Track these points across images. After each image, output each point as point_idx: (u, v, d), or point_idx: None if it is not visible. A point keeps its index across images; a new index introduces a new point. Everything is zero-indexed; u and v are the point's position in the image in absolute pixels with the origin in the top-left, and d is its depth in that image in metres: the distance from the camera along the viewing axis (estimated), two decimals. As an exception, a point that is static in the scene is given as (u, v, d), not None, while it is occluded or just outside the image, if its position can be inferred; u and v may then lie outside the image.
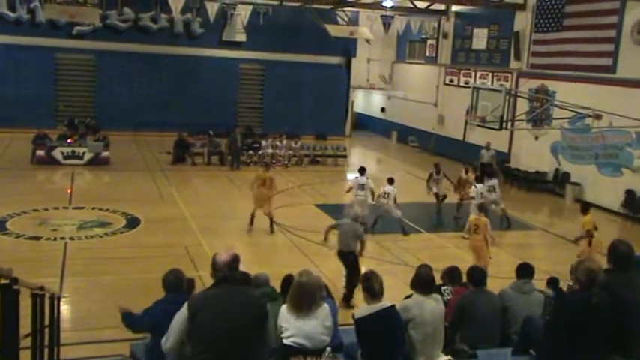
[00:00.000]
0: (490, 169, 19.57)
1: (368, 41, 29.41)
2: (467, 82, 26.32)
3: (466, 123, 23.18)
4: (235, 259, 4.42)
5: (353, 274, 10.44)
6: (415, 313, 5.35)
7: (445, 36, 29.00)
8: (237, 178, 19.98)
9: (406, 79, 32.24)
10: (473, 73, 26.55)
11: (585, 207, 13.17)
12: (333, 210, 17.56)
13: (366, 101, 35.99)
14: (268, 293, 5.89)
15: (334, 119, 31.42)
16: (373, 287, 5.16)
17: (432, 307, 5.45)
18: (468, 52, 27.38)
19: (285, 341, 4.77)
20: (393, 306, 5.22)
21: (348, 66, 31.99)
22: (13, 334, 3.61)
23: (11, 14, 26.61)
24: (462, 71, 27.42)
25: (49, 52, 27.13)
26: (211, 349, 4.09)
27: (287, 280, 6.32)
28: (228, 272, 4.29)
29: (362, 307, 5.27)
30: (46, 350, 5.80)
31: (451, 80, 28.17)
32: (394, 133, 32.28)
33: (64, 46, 27.43)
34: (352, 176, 24.43)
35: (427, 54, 30.74)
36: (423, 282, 5.57)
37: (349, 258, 10.82)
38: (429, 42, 30.37)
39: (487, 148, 21.70)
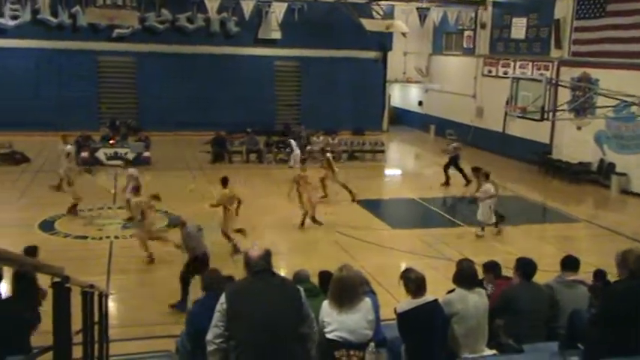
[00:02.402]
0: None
1: (404, 34, 29.17)
2: (506, 73, 25.88)
3: (506, 114, 22.84)
4: (268, 254, 4.45)
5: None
6: (459, 308, 5.31)
7: (483, 26, 28.57)
8: (276, 174, 20.08)
9: (443, 72, 31.90)
10: (512, 63, 26.09)
11: None
12: (372, 205, 17.59)
13: (403, 95, 35.74)
14: (309, 289, 5.91)
15: (371, 114, 31.29)
16: (413, 282, 5.15)
17: (475, 301, 5.40)
18: (507, 41, 26.93)
19: (328, 336, 4.78)
20: (435, 300, 5.19)
21: (384, 60, 31.81)
22: (65, 331, 3.72)
23: (53, 19, 27.27)
24: (501, 62, 26.97)
25: (90, 56, 27.71)
26: (249, 340, 4.13)
27: (324, 276, 6.35)
28: (260, 265, 4.32)
29: (404, 301, 5.26)
30: (96, 346, 5.94)
31: (489, 71, 27.75)
32: (432, 127, 31.99)
33: (104, 49, 27.99)
34: (391, 171, 24.43)
35: (464, 45, 30.35)
36: (465, 276, 5.52)
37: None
38: (466, 33, 29.98)
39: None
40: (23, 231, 13.93)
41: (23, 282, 6.82)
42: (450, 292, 5.68)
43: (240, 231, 13.46)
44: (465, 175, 19.88)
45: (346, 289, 4.83)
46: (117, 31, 27.74)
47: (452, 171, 20.24)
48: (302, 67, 30.65)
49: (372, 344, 4.78)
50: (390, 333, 5.64)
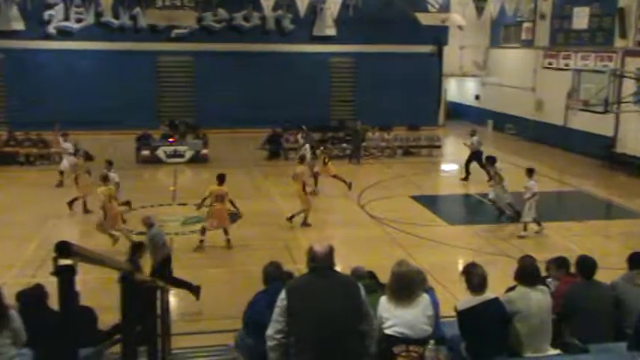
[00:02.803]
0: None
1: (460, 27, 28.74)
2: (567, 65, 25.14)
3: (567, 107, 22.19)
4: (332, 250, 4.46)
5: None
6: (520, 306, 5.18)
7: (542, 17, 27.81)
8: (338, 171, 20.04)
9: (501, 65, 31.25)
10: (573, 55, 25.31)
11: None
12: (429, 201, 17.41)
13: (459, 89, 35.21)
14: (367, 286, 5.90)
15: (427, 109, 30.97)
16: (475, 279, 5.06)
17: (538, 299, 5.26)
18: (568, 32, 26.14)
19: (386, 331, 4.76)
20: (496, 298, 5.10)
21: (439, 54, 31.40)
22: (131, 323, 3.83)
23: (115, 21, 28.14)
24: (562, 53, 26.21)
25: (149, 56, 28.44)
26: (309, 336, 4.14)
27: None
28: (324, 262, 4.33)
29: (464, 298, 5.18)
30: (159, 339, 6.09)
31: (550, 63, 27.00)
32: (489, 121, 31.40)
33: (163, 49, 28.68)
34: (448, 166, 24.09)
35: (523, 37, 29.61)
36: (527, 273, 5.39)
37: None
38: (525, 25, 29.23)
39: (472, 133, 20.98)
40: (89, 227, 14.40)
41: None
42: (510, 289, 5.57)
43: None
44: (488, 172, 19.45)
45: (405, 284, 4.80)
46: (175, 31, 28.37)
47: (474, 165, 19.89)
48: (356, 63, 30.59)
49: (432, 341, 4.73)
50: (449, 330, 5.57)
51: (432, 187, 20.18)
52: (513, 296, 5.29)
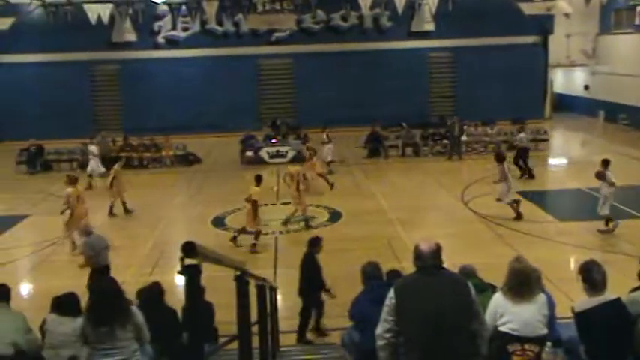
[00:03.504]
0: None
1: (567, 15, 27.46)
2: (687, 49, 23.42)
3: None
4: (439, 248, 4.40)
5: None
6: (646, 307, 4.90)
7: (658, -1, 26.08)
8: (434, 167, 19.84)
9: (613, 52, 29.54)
10: (694, 38, 23.55)
11: None
12: (536, 197, 16.79)
13: (567, 80, 33.66)
14: (476, 285, 5.78)
15: (532, 101, 29.80)
16: (594, 278, 4.82)
17: (665, 299, 4.95)
18: (687, 14, 24.35)
19: (500, 328, 4.66)
20: (618, 298, 4.83)
21: (544, 44, 30.16)
22: (246, 321, 3.96)
23: (219, 28, 29.24)
24: (681, 37, 24.46)
25: (251, 60, 29.29)
26: (419, 335, 4.11)
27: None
28: (431, 260, 4.28)
29: (581, 299, 4.96)
30: (269, 337, 6.26)
31: (667, 48, 25.27)
32: (601, 112, 29.80)
33: (264, 52, 29.46)
34: (555, 161, 23.14)
35: (637, 22, 27.83)
36: (654, 272, 5.08)
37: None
38: (639, 8, 27.48)
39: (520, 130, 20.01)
40: (199, 227, 15.05)
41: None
42: (634, 289, 5.27)
43: None
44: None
45: (524, 280, 4.68)
46: (275, 34, 29.06)
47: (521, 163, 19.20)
48: (456, 58, 30.01)
49: (549, 343, 4.57)
50: (565, 332, 5.36)
51: (540, 182, 19.41)
52: (637, 296, 4.99)
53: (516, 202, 14.84)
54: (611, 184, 13.27)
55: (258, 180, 13.69)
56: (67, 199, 13.26)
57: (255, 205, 13.26)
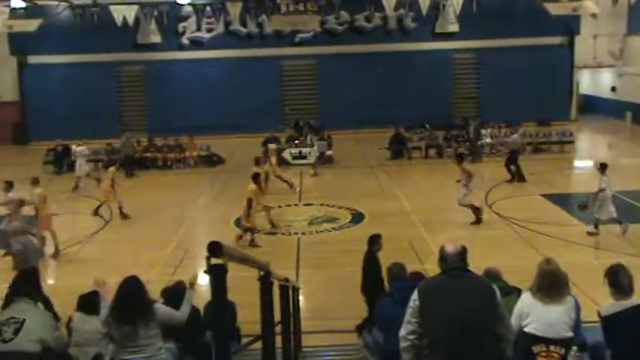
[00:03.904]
0: None
1: (594, 15, 27.10)
2: None
3: None
4: (464, 250, 4.37)
5: None
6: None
7: (688, -1, 25.60)
8: (456, 171, 19.62)
9: (641, 53, 29.11)
10: None
11: None
12: (562, 200, 16.60)
13: (593, 81, 33.20)
14: (501, 287, 5.73)
15: (557, 103, 29.49)
16: (620, 282, 4.75)
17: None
18: None
19: (525, 329, 4.62)
20: (646, 303, 4.76)
21: (570, 45, 29.81)
22: (270, 321, 3.98)
23: (243, 29, 29.41)
24: None
25: (275, 61, 29.39)
26: (443, 338, 4.08)
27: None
28: (456, 262, 4.25)
29: (608, 303, 4.88)
30: (291, 337, 6.27)
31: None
32: (628, 114, 29.34)
33: (287, 53, 29.55)
34: (581, 163, 22.86)
35: (666, 22, 27.42)
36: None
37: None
38: (668, 9, 27.05)
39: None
40: (222, 227, 15.14)
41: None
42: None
43: None
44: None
45: (554, 282, 4.65)
46: (299, 35, 29.13)
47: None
48: (480, 59, 29.83)
49: (575, 347, 4.51)
50: (590, 337, 5.29)
51: (565, 184, 19.22)
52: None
53: (477, 208, 14.66)
54: (601, 190, 13.14)
55: (256, 178, 13.94)
56: (38, 198, 13.33)
57: (250, 202, 13.40)
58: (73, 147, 20.78)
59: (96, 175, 19.85)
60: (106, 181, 16.49)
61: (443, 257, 4.28)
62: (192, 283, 5.67)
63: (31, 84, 29.57)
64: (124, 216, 16.10)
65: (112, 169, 16.88)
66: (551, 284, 4.65)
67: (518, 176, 18.88)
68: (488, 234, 14.02)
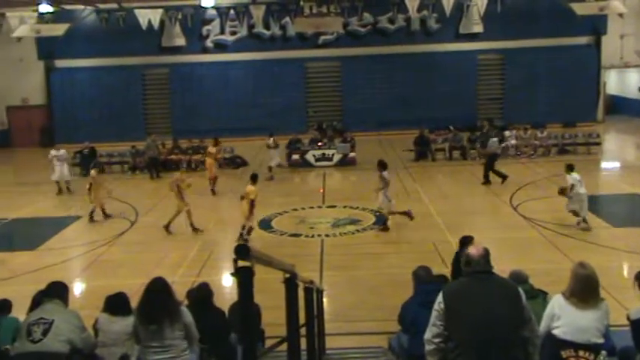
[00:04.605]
0: None
1: (621, 15, 26.70)
2: None
3: None
4: (488, 253, 4.34)
5: None
6: None
7: None
8: (481, 172, 19.53)
9: (670, 53, 28.61)
10: None
11: None
12: (589, 201, 16.32)
13: (621, 81, 32.70)
14: (527, 291, 5.67)
15: (583, 104, 29.10)
16: None
17: None
18: None
19: (554, 332, 4.56)
20: (676, 308, 4.68)
21: (597, 45, 29.40)
22: (295, 323, 3.98)
23: (266, 32, 29.54)
24: None
25: (298, 63, 29.48)
26: (469, 341, 4.05)
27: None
28: (480, 265, 4.22)
29: (637, 307, 4.81)
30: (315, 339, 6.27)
31: None
32: (657, 115, 28.87)
33: (311, 55, 29.61)
34: (608, 164, 22.53)
35: (695, 21, 26.92)
36: None
37: None
38: (698, 7, 26.58)
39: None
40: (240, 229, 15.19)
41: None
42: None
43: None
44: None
45: (590, 286, 4.59)
46: (322, 37, 29.17)
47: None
48: (505, 59, 29.57)
49: (604, 352, 4.44)
50: (618, 341, 5.20)
51: (592, 186, 18.84)
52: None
53: (400, 212, 14.84)
54: (571, 186, 13.85)
55: (254, 179, 14.18)
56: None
57: (252, 203, 13.77)
58: (52, 152, 20.43)
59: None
60: (87, 184, 16.53)
61: (468, 261, 4.26)
62: None
63: (58, 88, 30.04)
64: (90, 219, 16.29)
65: (92, 171, 16.81)
66: (586, 289, 4.59)
67: (485, 178, 18.90)
68: (514, 236, 13.88)
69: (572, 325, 4.55)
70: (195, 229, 14.94)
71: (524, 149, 23.14)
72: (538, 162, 22.03)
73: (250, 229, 14.18)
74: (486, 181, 18.79)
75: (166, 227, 14.88)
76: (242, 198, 14.10)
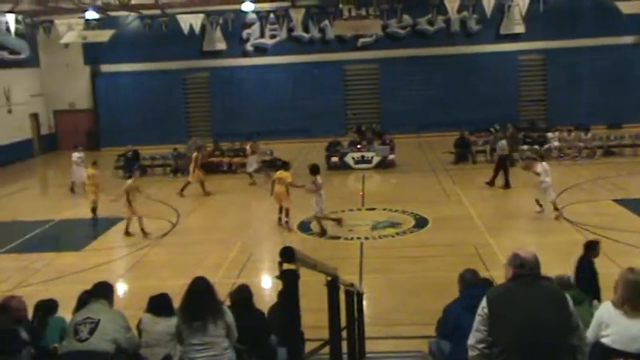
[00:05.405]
0: None
1: (669, 13, 25.97)
2: None
3: None
4: (536, 257, 4.26)
5: None
6: None
7: None
8: (522, 174, 19.22)
9: None
10: None
11: None
12: (637, 205, 15.93)
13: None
14: (573, 296, 5.55)
15: (630, 105, 28.31)
16: None
17: None
18: None
19: (603, 340, 4.44)
20: None
21: (644, 44, 28.67)
22: (337, 326, 3.98)
23: (305, 35, 29.67)
24: None
25: (337, 66, 29.53)
26: (515, 347, 3.97)
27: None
28: (534, 269, 4.14)
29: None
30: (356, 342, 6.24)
31: None
32: None
33: (350, 58, 29.62)
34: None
35: None
36: None
37: None
38: None
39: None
40: (285, 231, 15.27)
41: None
42: None
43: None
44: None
45: None
46: (361, 40, 29.17)
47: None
48: (548, 60, 29.06)
49: (655, 363, 4.31)
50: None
51: (639, 189, 18.42)
52: None
53: (335, 219, 15.22)
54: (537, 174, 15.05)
55: (286, 166, 16.34)
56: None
57: (290, 185, 15.20)
58: (75, 154, 20.81)
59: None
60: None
61: (521, 264, 4.14)
62: None
63: (103, 92, 30.74)
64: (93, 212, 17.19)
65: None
66: (636, 295, 4.45)
67: (490, 180, 18.67)
68: (558, 240, 13.59)
69: (623, 333, 4.41)
70: (145, 234, 15.31)
71: (567, 151, 22.68)
72: (582, 164, 21.57)
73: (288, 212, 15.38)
74: (491, 183, 18.72)
75: (126, 231, 15.55)
76: (272, 181, 15.55)
